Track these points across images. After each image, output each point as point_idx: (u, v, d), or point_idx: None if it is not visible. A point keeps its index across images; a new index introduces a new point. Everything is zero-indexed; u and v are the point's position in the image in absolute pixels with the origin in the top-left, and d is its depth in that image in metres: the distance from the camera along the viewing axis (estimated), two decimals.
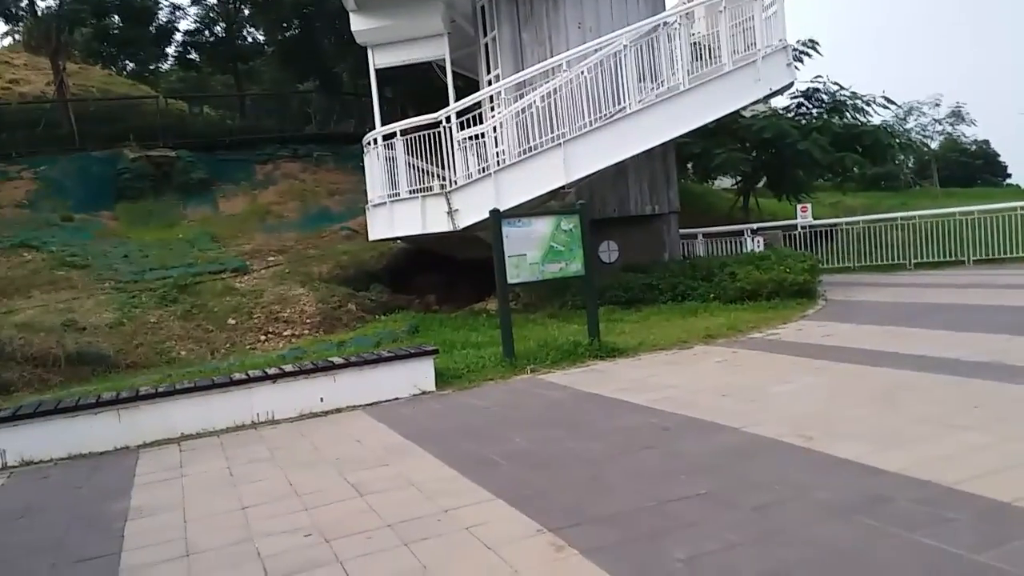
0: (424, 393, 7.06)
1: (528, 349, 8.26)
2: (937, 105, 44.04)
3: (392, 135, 12.80)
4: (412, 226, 12.54)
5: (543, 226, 8.38)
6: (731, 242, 17.21)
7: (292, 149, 21.20)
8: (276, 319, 13.07)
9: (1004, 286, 11.21)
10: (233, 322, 12.87)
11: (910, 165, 40.39)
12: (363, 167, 14.17)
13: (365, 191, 14.20)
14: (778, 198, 22.39)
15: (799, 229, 17.48)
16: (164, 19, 25.96)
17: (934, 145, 45.02)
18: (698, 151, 18.81)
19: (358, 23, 13.99)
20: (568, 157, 11.57)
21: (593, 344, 8.28)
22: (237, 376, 6.75)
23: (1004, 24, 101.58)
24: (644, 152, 12.12)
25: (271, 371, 6.86)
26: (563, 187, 11.87)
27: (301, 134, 23.25)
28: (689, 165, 22.76)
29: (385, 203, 13.04)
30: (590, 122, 11.66)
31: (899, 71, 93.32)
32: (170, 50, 27.24)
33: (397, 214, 12.84)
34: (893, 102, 26.75)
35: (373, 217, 13.76)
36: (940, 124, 44.25)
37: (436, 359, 7.40)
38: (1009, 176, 49.03)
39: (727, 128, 17.72)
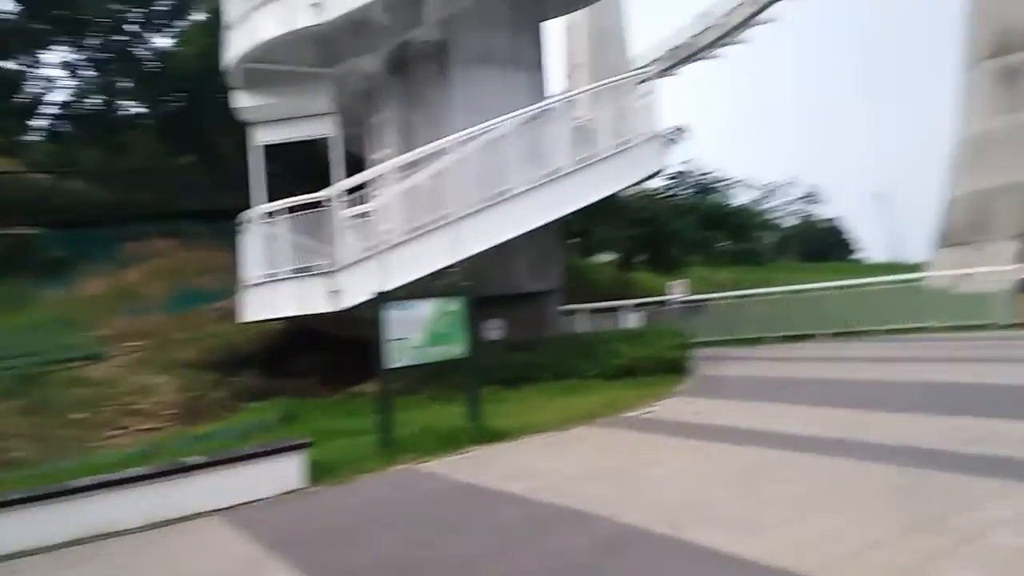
0: (293, 491, 6.66)
1: (408, 435, 8.04)
2: (794, 187, 48.46)
3: (274, 213, 12.54)
4: (292, 307, 12.18)
5: (427, 309, 8.34)
6: (611, 318, 17.76)
7: (164, 225, 20.28)
8: (131, 412, 12.08)
9: (854, 359, 12.08)
10: (81, 416, 11.75)
11: (772, 241, 43.70)
12: (242, 243, 13.72)
13: (243, 268, 13.71)
14: (655, 273, 23.52)
15: (672, 305, 18.32)
16: (34, 91, 24.45)
17: (792, 223, 49.14)
18: (582, 229, 19.58)
19: (242, 100, 13.83)
20: (455, 237, 11.69)
21: (474, 428, 8.18)
22: (73, 484, 6.00)
23: (851, 113, 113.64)
24: (529, 231, 12.44)
25: (114, 475, 6.17)
26: (450, 266, 11.94)
27: (176, 209, 22.34)
28: (574, 241, 23.64)
29: (263, 283, 12.63)
30: (477, 203, 11.88)
31: (760, 153, 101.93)
32: (39, 122, 25.59)
33: (276, 294, 12.44)
34: (754, 185, 29.01)
35: (249, 297, 13.25)
36: (797, 204, 48.53)
37: (308, 452, 7.05)
38: (858, 251, 54.08)
39: (608, 207, 18.55)
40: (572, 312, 17.54)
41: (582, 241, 24.54)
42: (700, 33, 50.05)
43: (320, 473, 7.01)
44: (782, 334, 16.77)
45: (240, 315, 13.60)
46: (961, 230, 23.54)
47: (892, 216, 47.91)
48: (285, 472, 6.72)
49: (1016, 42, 22.99)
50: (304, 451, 6.94)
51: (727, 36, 49.96)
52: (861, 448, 6.04)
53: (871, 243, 59.46)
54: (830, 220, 53.49)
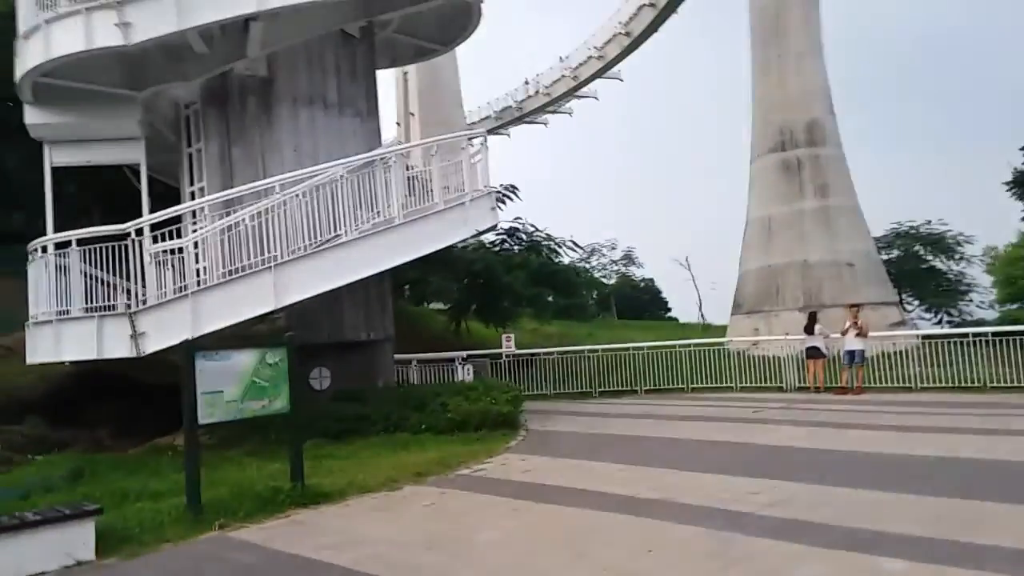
0: (80, 564, 5.76)
1: (220, 497, 7.29)
2: (613, 248, 52.00)
3: (67, 243, 11.17)
4: (85, 350, 10.84)
5: (245, 360, 7.69)
6: (443, 369, 17.67)
7: None
8: None
9: (668, 416, 12.87)
10: None
11: (594, 297, 46.26)
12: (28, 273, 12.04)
13: (28, 302, 12.00)
14: (486, 324, 23.83)
15: (504, 358, 18.60)
16: None
17: (612, 281, 52.52)
18: (414, 277, 19.41)
19: (33, 116, 12.35)
20: (279, 281, 11.07)
21: (296, 489, 7.59)
22: None
23: (663, 184, 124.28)
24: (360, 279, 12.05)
25: None
26: (273, 312, 11.22)
27: None
28: (406, 288, 23.39)
29: (51, 321, 11.14)
30: (304, 247, 11.37)
31: (582, 214, 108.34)
32: None
33: (66, 335, 11.03)
34: (579, 245, 30.68)
35: (34, 337, 11.63)
36: (616, 264, 52.04)
37: (99, 519, 6.15)
38: (670, 310, 58.65)
39: (442, 257, 18.58)
40: (403, 362, 17.20)
41: (414, 289, 24.35)
42: (526, 99, 52.78)
43: (114, 543, 6.13)
44: (605, 389, 17.58)
45: (24, 355, 11.85)
46: (753, 299, 26.27)
47: (695, 281, 52.58)
48: (74, 542, 5.82)
49: (791, 140, 26.47)
50: (94, 517, 6.05)
51: (552, 104, 53.12)
52: (677, 509, 6.31)
53: (679, 304, 64.77)
54: (644, 280, 57.78)
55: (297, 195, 11.47)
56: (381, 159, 12.57)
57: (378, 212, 12.26)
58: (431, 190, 12.92)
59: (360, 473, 8.64)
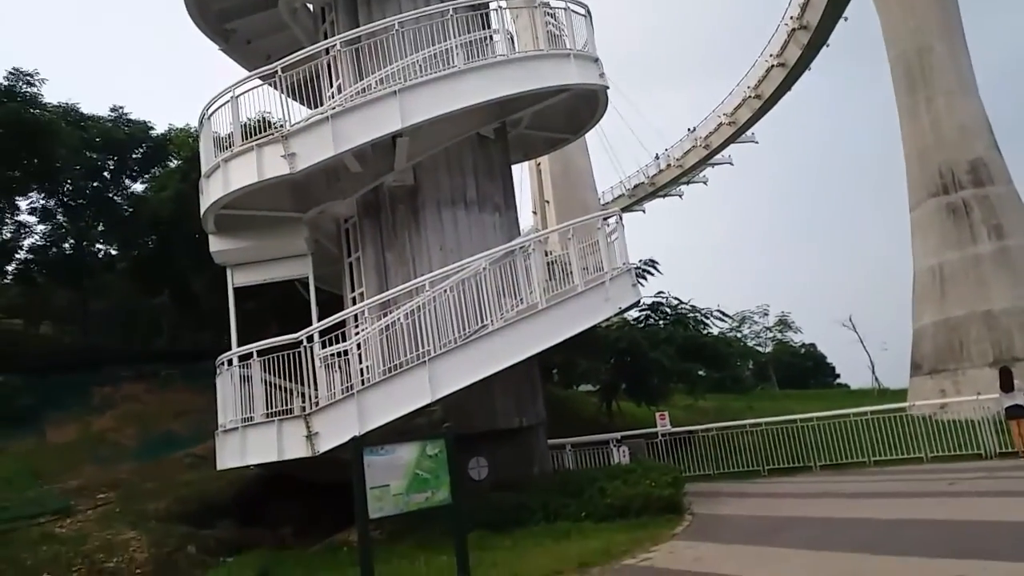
0: None
1: None
2: (765, 315, 49.53)
3: (249, 355, 12.29)
4: (267, 453, 11.68)
5: (407, 453, 8.01)
6: (598, 452, 17.34)
7: (136, 368, 19.80)
8: (100, 570, 11.23)
9: (851, 495, 11.77)
10: None
11: (750, 368, 44.00)
12: (216, 386, 13.32)
13: (217, 412, 13.23)
14: (638, 404, 23.29)
15: (660, 437, 18.00)
16: (4, 236, 24.41)
17: (768, 350, 49.75)
18: (562, 361, 19.50)
19: (217, 244, 13.91)
20: (433, 375, 11.48)
21: None
22: None
23: (811, 244, 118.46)
24: (509, 366, 12.27)
25: None
26: (429, 405, 11.64)
27: (148, 351, 21.92)
28: (554, 372, 23.50)
29: (237, 428, 12.17)
30: (454, 340, 11.78)
31: (730, 282, 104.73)
32: (10, 267, 25.32)
33: (250, 440, 11.97)
34: (727, 315, 29.65)
35: (223, 443, 12.71)
36: (771, 331, 49.39)
37: None
38: (838, 376, 54.24)
39: (587, 338, 18.58)
40: (558, 447, 17.10)
41: (563, 373, 24.41)
42: (658, 173, 52.81)
43: None
44: (773, 467, 16.45)
45: (215, 462, 12.99)
46: (934, 358, 23.93)
47: (864, 342, 48.20)
48: None
49: (954, 183, 24.49)
50: None
51: (685, 175, 52.81)
52: None
53: (847, 368, 59.83)
54: (805, 346, 54.20)
55: (445, 290, 12.01)
56: (521, 248, 12.98)
57: (521, 299, 12.55)
58: (571, 272, 13.11)
59: (523, 565, 8.56)
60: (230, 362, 12.65)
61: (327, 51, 13.10)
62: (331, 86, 13.09)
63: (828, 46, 39.54)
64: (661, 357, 20.14)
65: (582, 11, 14.47)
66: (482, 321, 12.08)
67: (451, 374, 11.59)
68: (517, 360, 12.13)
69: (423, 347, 11.65)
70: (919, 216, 25.70)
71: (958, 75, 25.54)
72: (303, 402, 11.73)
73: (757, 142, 49.58)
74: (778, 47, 39.50)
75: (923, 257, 25.32)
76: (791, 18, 37.37)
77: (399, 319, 11.93)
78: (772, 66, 40.51)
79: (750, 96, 43.37)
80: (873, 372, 43.19)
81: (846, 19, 36.64)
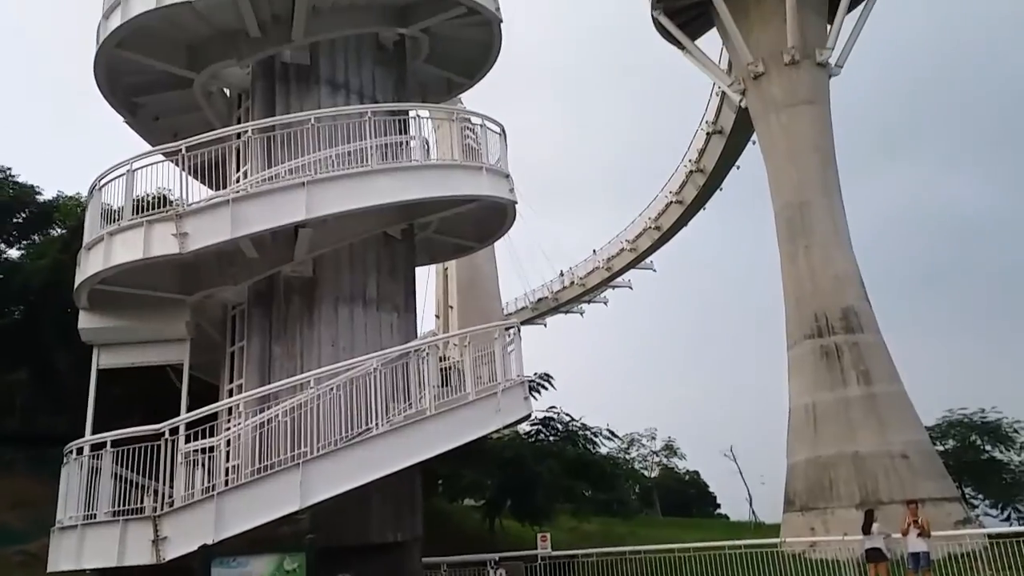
0: None
1: None
2: (653, 438, 50.44)
3: (102, 445, 11.22)
4: (106, 557, 10.51)
5: (262, 567, 7.46)
6: (475, 573, 16.61)
7: None
8: None
9: None
10: None
11: (636, 492, 44.15)
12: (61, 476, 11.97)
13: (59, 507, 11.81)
14: (522, 523, 22.69)
15: (539, 560, 17.48)
16: None
17: (654, 474, 50.31)
18: (448, 472, 18.92)
19: (87, 321, 12.99)
20: (307, 479, 10.86)
21: None
22: None
23: (704, 368, 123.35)
24: (389, 474, 11.72)
25: None
26: (297, 512, 10.86)
27: None
28: (440, 483, 22.69)
29: (78, 525, 10.90)
30: (335, 442, 11.23)
31: (624, 400, 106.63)
32: None
33: (89, 540, 10.77)
34: (616, 435, 29.98)
35: (59, 542, 11.35)
36: (657, 455, 50.18)
37: None
38: (719, 506, 55.10)
39: (475, 449, 18.18)
40: (432, 566, 16.23)
41: (447, 485, 23.62)
42: (562, 289, 54.36)
43: None
44: None
45: (49, 562, 11.48)
46: (805, 495, 24.70)
47: (743, 474, 49.27)
48: None
49: (828, 327, 26.26)
50: None
51: (587, 294, 54.58)
52: None
53: (728, 499, 60.97)
54: (689, 473, 55.05)
55: (332, 388, 11.56)
56: (416, 351, 12.77)
57: (411, 404, 12.23)
58: (465, 381, 12.93)
59: None
60: (80, 451, 11.53)
61: (238, 135, 12.96)
62: (238, 170, 12.88)
63: (722, 190, 42.91)
64: (546, 472, 19.89)
65: (497, 129, 15.11)
66: (368, 424, 11.61)
67: (326, 479, 10.99)
68: (399, 468, 11.68)
69: (301, 448, 11.02)
70: (796, 355, 27.24)
71: (834, 229, 27.90)
72: (155, 501, 10.69)
73: (655, 270, 52.17)
74: (677, 185, 42.45)
75: (798, 395, 26.63)
76: (690, 160, 40.43)
77: (277, 416, 11.31)
78: (671, 202, 43.33)
79: (650, 227, 45.96)
80: (751, 505, 44.15)
81: (738, 167, 40.11)
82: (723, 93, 33.81)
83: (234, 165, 12.96)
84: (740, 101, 31.39)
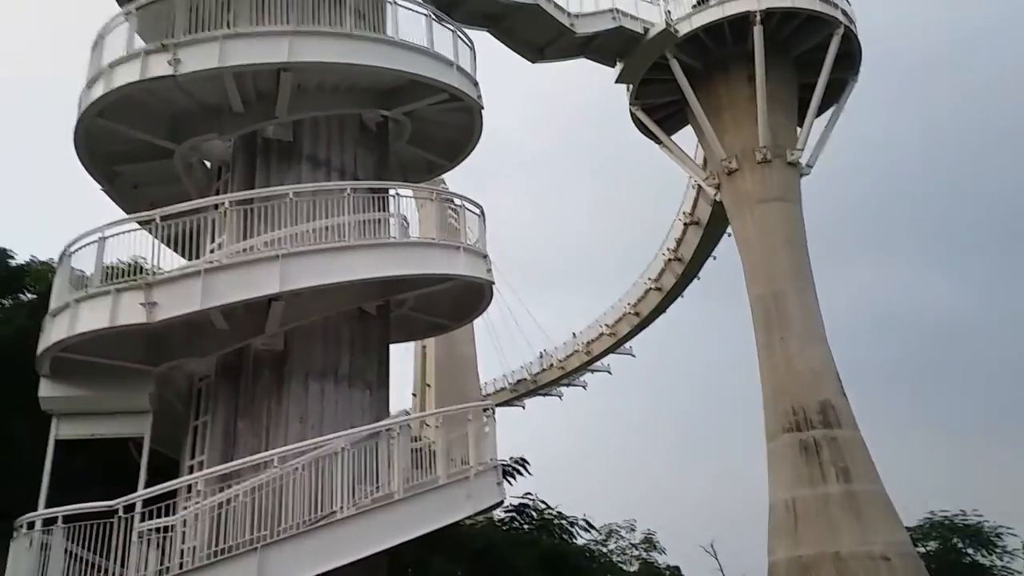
0: None
1: None
2: (632, 530, 48.83)
3: (54, 520, 10.66)
4: None
5: None
6: None
7: None
8: None
9: None
10: None
11: None
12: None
13: None
14: None
15: None
16: None
17: (633, 568, 48.54)
18: (415, 559, 18.13)
19: (47, 389, 12.59)
20: (265, 564, 10.40)
21: None
22: None
23: (684, 458, 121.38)
24: (353, 561, 11.17)
25: None
26: None
27: None
28: (409, 570, 21.71)
29: None
30: (298, 524, 10.77)
31: (602, 489, 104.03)
32: None
33: None
34: (593, 526, 29.14)
35: None
36: (636, 549, 48.55)
37: None
38: None
39: (446, 535, 17.50)
40: None
41: (414, 573, 22.61)
42: (541, 371, 53.99)
43: None
44: None
45: None
46: None
47: (724, 571, 47.31)
48: None
49: (806, 421, 26.04)
50: None
51: (566, 377, 54.23)
52: None
53: None
54: (669, 568, 52.98)
55: (297, 468, 11.17)
56: (387, 430, 12.44)
57: (379, 486, 11.81)
58: (436, 464, 12.56)
59: None
60: (31, 525, 10.93)
61: (216, 207, 12.97)
62: (213, 241, 12.82)
63: (699, 279, 43.48)
64: (520, 563, 19.10)
65: (476, 210, 15.31)
66: (333, 506, 11.17)
67: (285, 566, 10.52)
68: (365, 554, 11.13)
69: (261, 530, 10.53)
70: (774, 448, 26.86)
71: (809, 321, 28.08)
72: None
73: (634, 355, 52.13)
74: (656, 272, 43.00)
75: (778, 490, 26.11)
76: (668, 249, 41.14)
77: (238, 496, 10.85)
78: (649, 289, 43.78)
79: (629, 312, 46.24)
80: None
81: (715, 258, 40.84)
82: (699, 186, 34.78)
83: (210, 236, 12.90)
84: (715, 195, 32.26)
